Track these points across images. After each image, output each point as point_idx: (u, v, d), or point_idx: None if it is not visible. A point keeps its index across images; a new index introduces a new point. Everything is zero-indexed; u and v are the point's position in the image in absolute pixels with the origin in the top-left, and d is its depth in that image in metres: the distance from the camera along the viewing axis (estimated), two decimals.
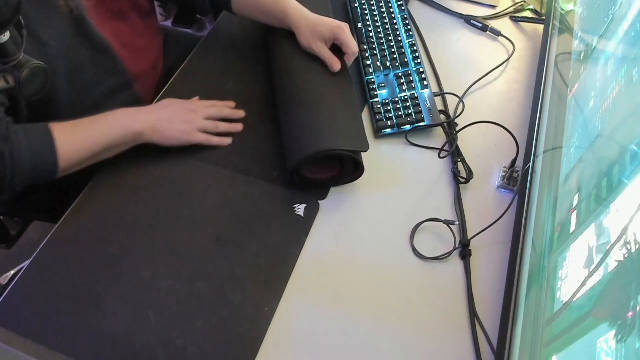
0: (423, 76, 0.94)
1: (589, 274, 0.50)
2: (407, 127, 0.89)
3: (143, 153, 0.83)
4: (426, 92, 0.92)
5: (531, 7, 1.11)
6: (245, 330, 0.69)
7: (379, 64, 0.97)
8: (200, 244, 0.76)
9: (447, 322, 0.71)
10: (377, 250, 0.77)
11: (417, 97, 0.91)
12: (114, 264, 0.74)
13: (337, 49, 0.88)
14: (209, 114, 0.87)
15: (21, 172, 0.71)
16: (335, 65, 0.86)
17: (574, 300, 0.51)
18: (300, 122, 0.81)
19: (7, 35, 0.62)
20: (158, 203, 0.80)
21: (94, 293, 0.71)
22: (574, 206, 0.60)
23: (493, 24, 1.07)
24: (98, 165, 0.81)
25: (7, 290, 0.71)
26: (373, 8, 1.05)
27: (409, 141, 0.89)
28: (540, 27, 1.07)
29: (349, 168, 0.81)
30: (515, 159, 0.83)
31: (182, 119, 0.84)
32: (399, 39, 1.00)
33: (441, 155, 0.87)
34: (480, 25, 1.07)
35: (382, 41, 1.00)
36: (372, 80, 0.94)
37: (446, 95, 0.96)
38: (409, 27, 1.02)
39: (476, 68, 1.00)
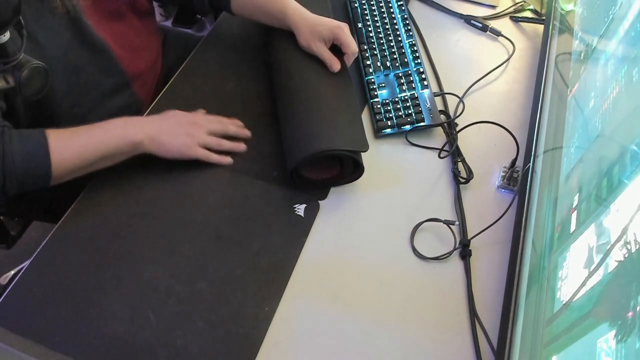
0: (423, 76, 0.94)
1: (589, 274, 0.50)
2: (407, 127, 0.89)
3: (143, 153, 0.82)
4: (426, 92, 0.92)
5: (531, 7, 1.11)
6: (245, 330, 0.69)
7: (379, 64, 0.97)
8: (200, 244, 0.76)
9: (447, 322, 0.71)
10: (377, 250, 0.77)
11: (417, 97, 0.91)
12: (114, 264, 0.74)
13: (337, 49, 0.88)
14: (213, 130, 0.84)
15: (13, 177, 0.70)
16: (335, 65, 0.86)
17: (574, 300, 0.51)
18: (300, 122, 0.81)
19: (7, 36, 0.62)
20: (158, 203, 0.80)
21: (94, 293, 0.71)
22: (574, 206, 0.60)
23: (493, 24, 1.07)
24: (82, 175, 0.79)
25: (7, 290, 0.71)
26: (373, 8, 1.05)
27: (409, 141, 0.89)
28: (540, 27, 1.07)
29: (348, 168, 0.81)
30: (515, 159, 0.83)
31: (184, 131, 0.82)
32: (399, 39, 1.00)
33: (441, 155, 0.87)
34: (480, 25, 1.07)
35: (382, 41, 1.00)
36: (372, 80, 0.94)
37: (446, 95, 0.96)
38: (409, 27, 1.02)
39: (476, 68, 1.00)
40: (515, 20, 1.10)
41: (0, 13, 0.59)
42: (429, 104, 0.91)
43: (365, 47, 0.99)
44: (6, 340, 0.67)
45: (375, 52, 0.98)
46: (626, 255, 0.44)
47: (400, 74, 0.95)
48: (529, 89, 0.97)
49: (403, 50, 0.98)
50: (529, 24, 1.09)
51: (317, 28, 0.86)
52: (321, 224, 0.80)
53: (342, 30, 0.86)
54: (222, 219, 0.79)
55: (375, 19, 1.03)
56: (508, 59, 1.02)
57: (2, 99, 0.75)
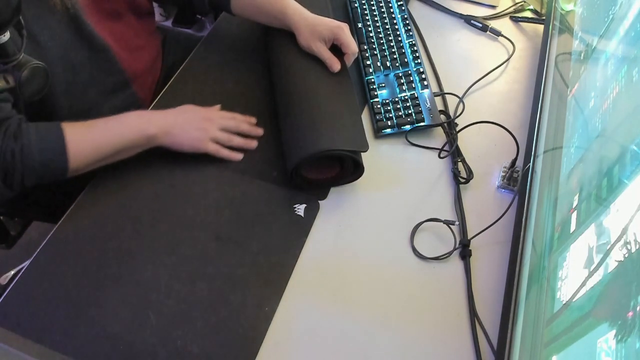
0: (423, 76, 0.94)
1: (589, 274, 0.50)
2: (407, 127, 0.89)
3: (143, 153, 0.83)
4: (426, 92, 0.92)
5: (531, 7, 1.11)
6: (245, 330, 0.69)
7: (379, 64, 0.97)
8: (200, 244, 0.76)
9: (447, 322, 0.71)
10: (377, 250, 0.77)
11: (417, 97, 0.91)
12: (114, 264, 0.74)
13: (337, 49, 0.88)
14: (225, 126, 0.85)
15: (31, 170, 0.72)
16: (335, 65, 0.86)
17: (574, 300, 0.51)
18: (300, 122, 0.81)
19: (7, 36, 0.62)
20: (158, 203, 0.80)
21: (94, 293, 0.71)
22: (574, 206, 0.60)
23: (493, 24, 1.07)
24: (97, 168, 0.80)
25: (7, 290, 0.71)
26: (373, 8, 1.05)
27: (409, 141, 0.89)
28: (540, 27, 1.07)
29: (348, 168, 0.81)
30: (515, 159, 0.83)
31: (196, 126, 0.83)
32: (399, 39, 1.00)
33: (441, 155, 0.87)
34: (480, 25, 1.07)
35: (382, 41, 1.00)
36: (372, 80, 0.94)
37: (446, 95, 0.96)
38: (409, 27, 1.02)
39: (476, 68, 1.00)
40: (515, 20, 1.10)
41: (0, 13, 0.59)
42: (429, 104, 0.91)
43: (365, 47, 0.99)
44: (6, 340, 0.67)
45: (375, 52, 0.98)
46: (626, 255, 0.44)
47: (400, 74, 0.95)
48: (529, 89, 0.97)
49: (403, 50, 0.98)
50: (529, 24, 1.09)
51: (317, 28, 0.86)
52: (321, 224, 0.80)
53: (342, 30, 0.86)
54: (222, 219, 0.79)
55: (375, 19, 1.03)
56: (508, 59, 1.02)
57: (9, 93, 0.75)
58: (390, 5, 1.06)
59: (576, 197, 0.60)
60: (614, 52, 0.66)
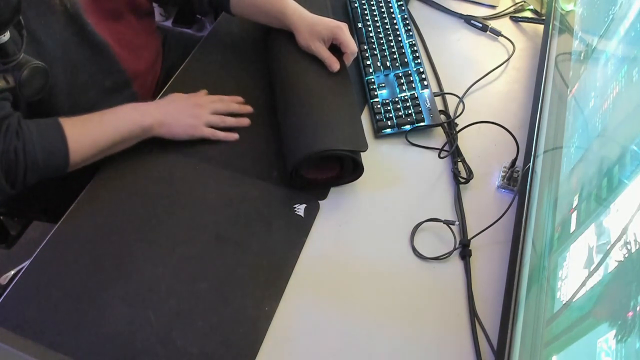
0: (423, 76, 0.94)
1: (589, 274, 0.50)
2: (407, 127, 0.89)
3: (143, 153, 0.83)
4: (426, 92, 0.92)
5: (531, 7, 1.11)
6: (245, 330, 0.69)
7: (379, 64, 0.97)
8: (200, 244, 0.76)
9: (447, 322, 0.71)
10: (377, 250, 0.77)
11: (417, 97, 0.91)
12: (114, 264, 0.74)
13: (336, 49, 0.88)
14: (215, 109, 0.87)
15: (33, 166, 0.72)
16: (334, 65, 0.86)
17: (574, 300, 0.51)
18: (299, 122, 0.81)
19: (7, 35, 0.62)
20: (158, 203, 0.80)
21: (94, 293, 0.71)
22: (574, 206, 0.60)
23: (493, 24, 1.07)
24: (98, 164, 0.81)
25: (7, 290, 0.71)
26: (373, 8, 1.05)
27: (409, 141, 0.89)
28: (540, 27, 1.07)
29: (348, 168, 0.81)
30: (515, 159, 0.83)
31: (189, 113, 0.85)
32: (399, 39, 1.00)
33: (441, 155, 0.87)
34: (480, 25, 1.07)
35: (382, 41, 1.00)
36: (372, 80, 0.94)
37: (446, 95, 0.96)
38: (409, 27, 1.02)
39: (476, 68, 1.00)
40: (515, 20, 1.10)
41: (0, 13, 0.59)
42: (429, 104, 0.91)
43: (365, 47, 0.99)
44: (6, 340, 0.67)
45: (375, 52, 0.98)
46: (626, 255, 0.44)
47: (400, 74, 0.95)
48: (529, 89, 0.97)
49: (403, 50, 0.98)
50: (529, 24, 1.09)
51: (316, 28, 0.86)
52: (321, 224, 0.80)
53: (341, 29, 0.86)
54: (222, 219, 0.79)
55: (375, 19, 1.03)
56: (508, 59, 1.02)
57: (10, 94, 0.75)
58: (390, 5, 1.06)
59: (576, 197, 0.60)
60: (614, 52, 0.66)
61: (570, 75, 0.84)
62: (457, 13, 1.10)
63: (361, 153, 0.80)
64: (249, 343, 0.68)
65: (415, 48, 0.98)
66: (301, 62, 0.88)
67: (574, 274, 0.53)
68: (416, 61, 0.97)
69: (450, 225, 0.79)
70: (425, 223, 0.80)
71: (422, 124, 0.89)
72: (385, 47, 0.99)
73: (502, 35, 1.05)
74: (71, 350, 0.67)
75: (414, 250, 0.77)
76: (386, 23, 1.02)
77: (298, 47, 0.89)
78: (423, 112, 0.90)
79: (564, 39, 0.94)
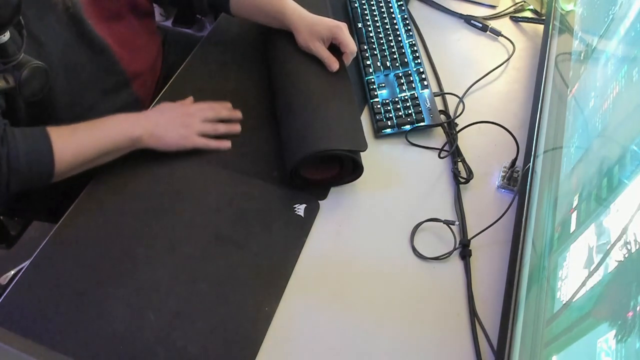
0: (423, 76, 0.94)
1: (589, 274, 0.50)
2: (407, 127, 0.89)
3: (143, 153, 0.82)
4: (426, 92, 0.92)
5: (531, 7, 1.11)
6: (245, 330, 0.69)
7: (379, 64, 0.97)
8: (200, 244, 0.76)
9: (447, 322, 0.71)
10: (377, 250, 0.77)
11: (417, 97, 0.91)
12: (113, 264, 0.74)
13: (336, 49, 0.88)
14: (206, 117, 0.86)
15: (16, 174, 0.71)
16: (334, 64, 0.86)
17: (574, 300, 0.51)
18: (298, 122, 0.81)
19: (7, 35, 0.62)
20: (158, 203, 0.80)
21: (93, 293, 0.71)
22: (574, 206, 0.60)
23: (493, 24, 1.07)
24: (81, 171, 0.79)
25: (7, 290, 0.71)
26: (373, 8, 1.05)
27: (409, 141, 0.89)
28: (540, 27, 1.07)
29: (348, 168, 0.81)
30: (515, 159, 0.83)
31: (180, 123, 0.84)
32: (399, 39, 1.00)
33: (441, 155, 0.87)
34: (480, 25, 1.07)
35: (382, 41, 1.00)
36: (372, 80, 0.94)
37: (446, 95, 0.96)
38: (409, 27, 1.02)
39: (476, 68, 1.00)
40: (515, 20, 1.10)
41: (0, 13, 0.59)
42: (429, 104, 0.91)
43: (365, 47, 0.99)
44: (6, 340, 0.67)
45: (375, 52, 0.98)
46: (626, 255, 0.44)
47: (400, 74, 0.95)
48: (529, 89, 0.97)
49: (403, 50, 0.98)
50: (529, 24, 1.09)
51: (315, 28, 0.86)
52: (321, 224, 0.80)
53: (341, 29, 0.86)
54: (222, 219, 0.79)
55: (375, 19, 1.03)
56: (508, 59, 1.02)
57: (2, 98, 0.75)
58: (390, 5, 1.06)
59: (576, 197, 0.60)
60: (614, 52, 0.66)
61: (570, 75, 0.84)
62: (457, 13, 1.10)
63: (361, 153, 0.80)
64: (249, 343, 0.68)
65: (415, 48, 0.98)
66: (301, 62, 0.88)
67: (574, 274, 0.53)
68: (416, 61, 0.97)
69: (450, 225, 0.79)
70: (425, 223, 0.80)
71: (422, 124, 0.89)
72: (385, 47, 0.99)
73: (502, 35, 1.05)
74: (71, 350, 0.67)
75: (414, 250, 0.77)
76: (386, 23, 1.02)
77: (298, 47, 0.89)
78: (423, 112, 0.90)
79: (564, 39, 0.94)
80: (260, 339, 0.69)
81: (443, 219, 0.80)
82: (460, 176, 0.84)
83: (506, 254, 0.74)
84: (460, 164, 0.86)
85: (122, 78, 0.93)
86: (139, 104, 0.98)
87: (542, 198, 0.73)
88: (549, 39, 0.95)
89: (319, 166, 0.81)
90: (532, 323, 0.60)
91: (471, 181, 0.84)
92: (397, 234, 0.79)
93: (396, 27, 1.02)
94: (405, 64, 0.96)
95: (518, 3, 1.12)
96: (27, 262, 0.74)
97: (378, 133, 0.89)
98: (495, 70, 1.00)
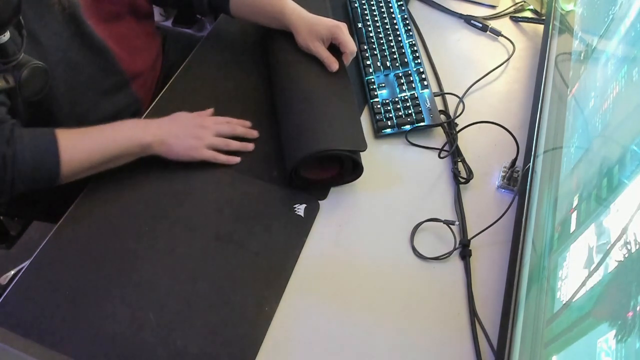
0: (423, 76, 0.94)
1: (589, 274, 0.50)
2: (407, 127, 0.89)
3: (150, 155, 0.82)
4: (426, 92, 0.92)
5: (531, 7, 1.11)
6: (245, 330, 0.69)
7: (379, 64, 0.97)
8: (200, 244, 0.76)
9: (447, 322, 0.71)
10: (377, 250, 0.77)
11: (417, 97, 0.91)
12: (114, 263, 0.74)
13: (336, 49, 0.88)
14: (220, 131, 0.85)
15: (22, 175, 0.71)
16: (333, 65, 0.86)
17: (574, 300, 0.51)
18: (298, 122, 0.81)
19: (7, 35, 0.62)
20: (158, 203, 0.80)
21: (93, 293, 0.71)
22: (574, 206, 0.60)
23: (493, 24, 1.07)
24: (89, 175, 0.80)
25: (7, 290, 0.71)
26: (373, 8, 1.05)
27: (409, 141, 0.89)
28: (540, 27, 1.07)
29: (348, 168, 0.81)
30: (515, 159, 0.83)
31: (191, 133, 0.83)
32: (399, 39, 1.00)
33: (441, 155, 0.87)
34: (480, 25, 1.07)
35: (382, 41, 1.00)
36: (372, 80, 0.94)
37: (446, 95, 0.96)
38: (409, 27, 1.02)
39: (476, 68, 1.00)
40: (515, 20, 1.10)
41: (0, 13, 0.59)
42: (429, 104, 0.91)
43: (365, 47, 0.99)
44: (6, 340, 0.67)
45: (375, 52, 0.98)
46: (626, 255, 0.44)
47: (400, 74, 0.95)
48: (529, 89, 0.97)
49: (403, 50, 0.98)
50: (529, 24, 1.09)
51: (315, 28, 0.86)
52: (321, 224, 0.80)
53: (340, 29, 0.86)
54: (222, 219, 0.79)
55: (375, 19, 1.03)
56: (508, 59, 1.02)
57: (5, 96, 0.75)
58: (390, 5, 1.06)
59: (576, 197, 0.60)
60: (614, 52, 0.66)
61: (570, 75, 0.84)
62: (457, 13, 1.10)
63: (361, 153, 0.80)
64: (249, 343, 0.68)
65: (415, 48, 0.98)
66: (300, 62, 0.88)
67: (574, 274, 0.53)
68: (416, 61, 0.97)
69: (450, 225, 0.79)
70: (425, 223, 0.80)
71: (422, 124, 0.89)
72: (385, 47, 0.99)
73: (502, 35, 1.05)
74: (71, 350, 0.67)
75: (414, 250, 0.77)
76: (386, 23, 1.02)
77: (297, 47, 0.89)
78: (423, 112, 0.90)
79: (564, 39, 0.94)
80: (260, 339, 0.69)
81: (443, 219, 0.80)
82: (460, 176, 0.84)
83: (506, 254, 0.74)
84: (460, 164, 0.86)
85: (122, 78, 0.93)
86: (138, 104, 0.98)
87: (542, 198, 0.73)
88: (549, 39, 0.95)
89: (319, 166, 0.81)
90: (532, 323, 0.60)
91: (471, 181, 0.84)
92: (397, 234, 0.79)
93: (396, 27, 1.02)
94: (405, 64, 0.96)
95: (518, 3, 1.12)
96: (27, 262, 0.74)
97: (378, 133, 0.89)
98: (495, 70, 1.00)
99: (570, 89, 0.80)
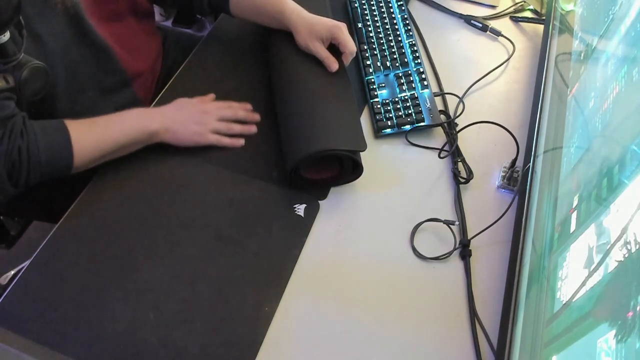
0: (423, 76, 0.94)
1: (589, 274, 0.50)
2: (407, 127, 0.89)
3: (143, 153, 0.83)
4: (426, 92, 0.92)
5: (531, 7, 1.11)
6: (245, 330, 0.69)
7: (379, 64, 0.97)
8: (200, 244, 0.76)
9: (447, 322, 0.71)
10: (377, 251, 0.77)
11: (417, 97, 0.91)
12: (114, 263, 0.74)
13: (335, 49, 0.88)
14: (222, 115, 0.87)
15: (37, 167, 0.72)
16: (333, 65, 0.86)
17: (574, 300, 0.51)
18: (298, 122, 0.81)
19: (7, 35, 0.62)
20: (158, 203, 0.80)
21: (94, 293, 0.71)
22: (574, 206, 0.60)
23: (493, 24, 1.07)
24: (98, 164, 0.81)
25: (7, 290, 0.71)
26: (373, 8, 1.05)
27: (409, 141, 0.89)
28: (540, 27, 1.07)
29: (347, 168, 0.81)
30: (515, 159, 0.83)
31: (195, 119, 0.85)
32: (399, 39, 1.00)
33: (441, 155, 0.87)
34: (480, 25, 1.07)
35: (382, 41, 1.00)
36: (372, 80, 0.94)
37: (446, 95, 0.96)
38: (409, 27, 1.02)
39: (476, 68, 1.00)
40: (515, 20, 1.10)
41: (0, 13, 0.59)
42: (429, 104, 0.91)
43: (365, 47, 0.99)
44: (6, 340, 0.67)
45: (375, 52, 0.98)
46: (626, 255, 0.44)
47: (400, 74, 0.95)
48: (529, 89, 0.97)
49: (403, 50, 0.98)
50: (529, 24, 1.09)
51: (314, 27, 0.86)
52: (321, 224, 0.80)
53: (340, 29, 0.86)
54: (222, 219, 0.79)
55: (375, 19, 1.03)
56: (508, 59, 1.02)
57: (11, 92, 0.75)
58: (390, 5, 1.06)
59: (576, 197, 0.60)
60: (614, 52, 0.66)
61: (570, 75, 0.84)
62: (457, 13, 1.10)
63: (361, 153, 0.80)
64: (249, 343, 0.68)
65: (415, 48, 0.98)
66: (300, 62, 0.88)
67: (574, 274, 0.53)
68: (416, 61, 0.97)
69: (450, 225, 0.79)
70: (425, 223, 0.80)
71: (422, 124, 0.89)
72: (385, 47, 0.99)
73: (502, 35, 1.05)
74: (71, 350, 0.67)
75: (414, 250, 0.77)
76: (386, 23, 1.02)
77: (297, 47, 0.89)
78: (423, 112, 0.90)
79: (564, 39, 0.94)
80: (260, 339, 0.69)
81: (443, 219, 0.80)
82: (460, 176, 0.84)
83: (506, 254, 0.74)
84: (460, 164, 0.86)
85: (123, 78, 0.93)
86: (139, 104, 0.98)
87: (542, 198, 0.73)
88: (549, 39, 0.95)
89: (319, 166, 0.81)
90: (532, 323, 0.60)
91: (471, 181, 0.84)
92: (397, 234, 0.79)
93: (396, 27, 1.02)
94: (405, 64, 0.96)
95: (518, 3, 1.12)
96: (27, 262, 0.74)
97: (378, 133, 0.89)
98: (495, 70, 1.00)
99: (570, 89, 0.80)
